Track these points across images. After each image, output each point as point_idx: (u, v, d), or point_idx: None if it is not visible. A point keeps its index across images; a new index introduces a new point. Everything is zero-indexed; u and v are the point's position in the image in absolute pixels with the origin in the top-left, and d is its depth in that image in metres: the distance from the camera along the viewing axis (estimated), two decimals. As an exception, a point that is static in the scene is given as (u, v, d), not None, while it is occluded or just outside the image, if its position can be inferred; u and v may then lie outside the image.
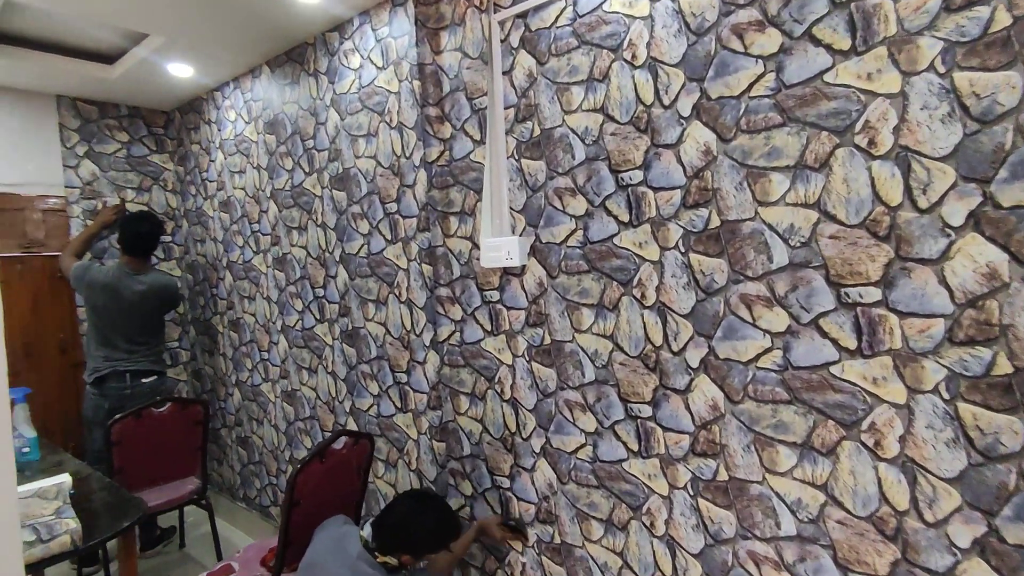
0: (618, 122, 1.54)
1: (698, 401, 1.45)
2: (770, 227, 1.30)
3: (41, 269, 2.96)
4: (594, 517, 1.69)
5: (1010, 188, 1.03)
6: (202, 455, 2.61)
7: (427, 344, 2.04)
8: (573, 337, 1.68)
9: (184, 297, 3.41)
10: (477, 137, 1.89)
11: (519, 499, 1.88)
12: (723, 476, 1.42)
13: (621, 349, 1.58)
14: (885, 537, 1.20)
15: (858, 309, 1.20)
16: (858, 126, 1.18)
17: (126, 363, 2.77)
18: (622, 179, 1.54)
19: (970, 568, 1.10)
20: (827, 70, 1.21)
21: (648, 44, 1.46)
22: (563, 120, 1.65)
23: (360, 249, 2.25)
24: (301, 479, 1.67)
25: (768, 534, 1.36)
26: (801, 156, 1.25)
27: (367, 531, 1.62)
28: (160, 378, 2.90)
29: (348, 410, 2.39)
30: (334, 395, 2.45)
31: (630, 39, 1.49)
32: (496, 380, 1.90)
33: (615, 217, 1.56)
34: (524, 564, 1.87)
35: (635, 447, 1.58)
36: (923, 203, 1.12)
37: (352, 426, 2.38)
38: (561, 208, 1.68)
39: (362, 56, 2.16)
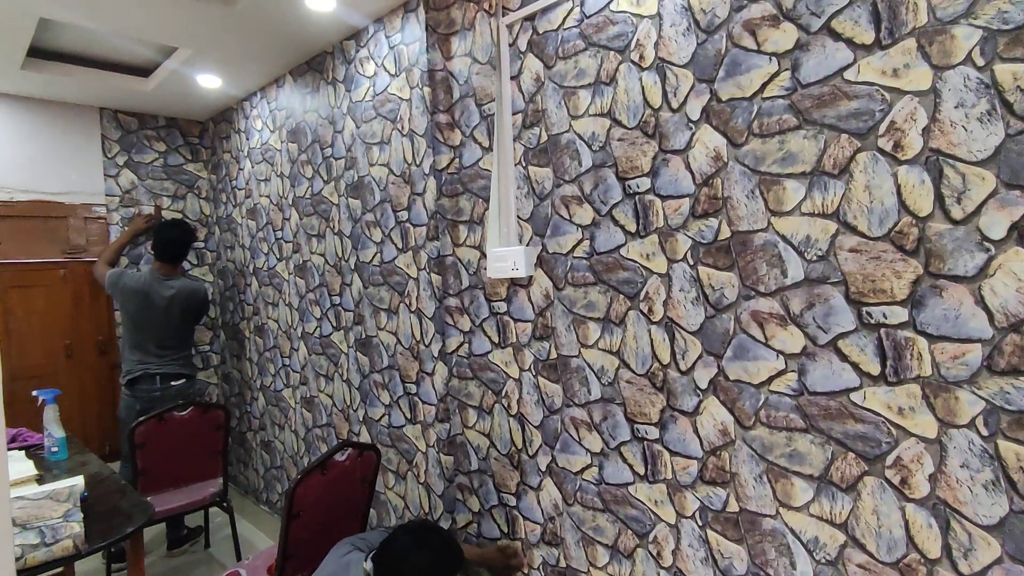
0: (625, 127, 1.45)
1: (707, 425, 1.34)
2: (784, 239, 1.19)
3: (83, 274, 3.09)
4: (600, 542, 1.60)
5: (1058, 196, 0.90)
6: (223, 459, 2.65)
7: (435, 355, 2.00)
8: (579, 352, 1.60)
9: (215, 302, 3.49)
10: (486, 144, 1.84)
11: (525, 518, 1.80)
12: (733, 507, 1.31)
13: (627, 366, 1.49)
14: (912, 587, 1.07)
15: (882, 331, 1.08)
16: (882, 128, 1.06)
17: (157, 366, 2.85)
18: (629, 187, 1.46)
19: (1011, 630, 0.97)
20: (848, 67, 1.10)
21: (656, 44, 1.38)
22: (570, 125, 1.58)
23: (373, 257, 2.24)
24: (300, 491, 1.65)
25: (782, 574, 1.24)
26: (818, 161, 1.14)
27: (369, 566, 1.56)
28: (189, 381, 2.97)
29: (362, 419, 2.37)
30: (348, 403, 2.44)
31: (638, 39, 1.41)
32: (503, 394, 1.84)
33: (622, 227, 1.48)
34: (530, 587, 1.80)
35: (641, 471, 1.48)
36: (957, 213, 0.99)
37: (365, 435, 2.36)
38: (568, 217, 1.61)
39: (376, 64, 2.15)
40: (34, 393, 2.23)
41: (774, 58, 1.19)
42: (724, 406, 1.31)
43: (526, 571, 1.80)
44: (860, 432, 1.12)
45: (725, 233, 1.28)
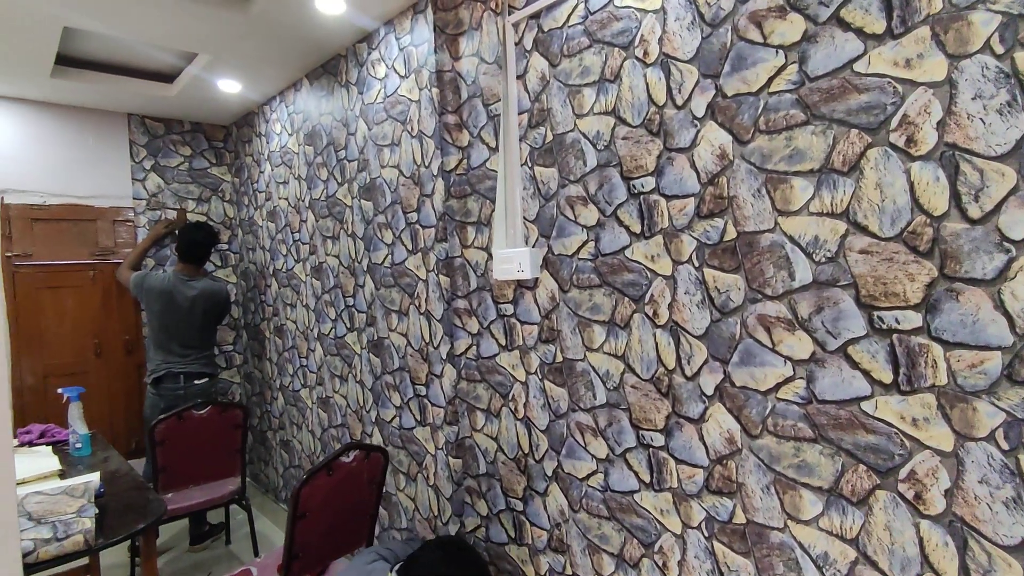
0: (630, 125, 1.42)
1: (713, 432, 1.30)
2: (791, 239, 1.14)
3: (111, 275, 3.18)
4: (605, 551, 1.56)
5: (1085, 193, 0.83)
6: (241, 457, 2.70)
7: (444, 357, 1.99)
8: (585, 356, 1.57)
9: (238, 303, 3.56)
10: (493, 144, 1.82)
11: (532, 524, 1.78)
12: (740, 519, 1.26)
13: (633, 371, 1.45)
14: (927, 609, 1.01)
15: (894, 336, 1.02)
16: (894, 122, 1.00)
17: (180, 365, 2.92)
18: (634, 186, 1.42)
19: (1034, 659, 0.90)
20: (857, 58, 1.04)
21: (660, 39, 1.34)
22: (575, 124, 1.55)
23: (385, 259, 2.24)
24: (306, 492, 1.66)
25: (790, 590, 1.19)
26: (827, 158, 1.08)
27: None
28: (211, 380, 3.03)
29: (374, 420, 2.38)
30: (362, 404, 2.45)
31: (642, 35, 1.37)
32: (510, 397, 1.82)
33: (627, 227, 1.44)
34: (536, 594, 1.77)
35: (647, 478, 1.44)
36: (975, 212, 0.93)
37: (377, 437, 2.37)
38: (573, 218, 1.57)
39: (387, 65, 2.15)
40: (59, 391, 2.30)
41: (781, 51, 1.14)
42: (730, 413, 1.26)
43: (533, 577, 1.78)
44: (871, 443, 1.06)
45: (731, 234, 1.23)
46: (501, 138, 1.75)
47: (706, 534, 1.33)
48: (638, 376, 1.44)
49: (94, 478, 1.80)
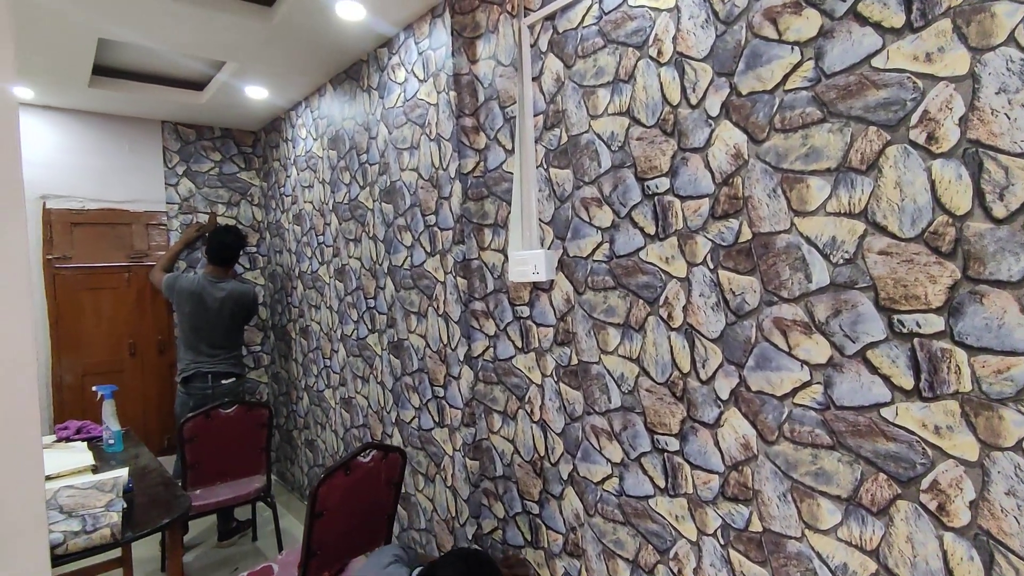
0: (644, 125, 1.40)
1: (728, 438, 1.27)
2: (808, 240, 1.11)
3: (145, 277, 3.29)
4: (620, 556, 1.54)
5: (1118, 191, 0.79)
6: (267, 456, 2.75)
7: (461, 359, 2.00)
8: (599, 358, 1.56)
9: (266, 304, 3.64)
10: (509, 146, 1.82)
11: (548, 527, 1.77)
12: (756, 526, 1.23)
13: (647, 374, 1.43)
14: (951, 625, 0.97)
15: (915, 341, 0.98)
16: (914, 118, 0.97)
17: (208, 365, 3.00)
18: (648, 187, 1.40)
19: None
20: (876, 53, 1.01)
21: (674, 38, 1.32)
22: (589, 125, 1.54)
23: (404, 261, 2.26)
24: (323, 491, 1.68)
25: (808, 601, 1.15)
26: (844, 157, 1.05)
27: None
28: (239, 380, 3.11)
29: (394, 421, 2.41)
30: (382, 405, 2.48)
31: (656, 34, 1.36)
32: (526, 400, 1.81)
33: (641, 229, 1.42)
34: (552, 598, 1.76)
35: (662, 483, 1.42)
36: (1000, 211, 0.89)
37: (397, 437, 2.39)
38: (587, 220, 1.56)
39: (407, 70, 2.18)
40: (94, 388, 2.39)
41: (796, 47, 1.11)
42: (746, 419, 1.23)
43: (548, 581, 1.77)
44: (892, 451, 1.02)
45: (746, 235, 1.21)
46: (517, 140, 1.75)
47: (722, 542, 1.30)
48: (653, 380, 1.42)
49: (123, 474, 1.86)
